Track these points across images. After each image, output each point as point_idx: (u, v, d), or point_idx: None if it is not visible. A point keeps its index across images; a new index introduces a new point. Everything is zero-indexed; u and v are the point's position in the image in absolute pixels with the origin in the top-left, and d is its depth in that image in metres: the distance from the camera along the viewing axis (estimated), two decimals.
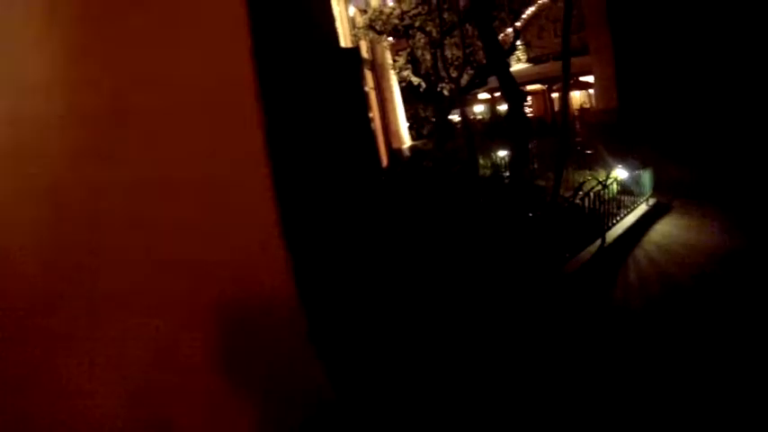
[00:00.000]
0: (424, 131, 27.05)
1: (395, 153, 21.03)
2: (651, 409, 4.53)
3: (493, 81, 21.02)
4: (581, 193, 8.57)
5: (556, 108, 28.88)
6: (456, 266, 7.28)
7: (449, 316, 6.34)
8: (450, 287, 6.81)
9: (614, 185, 9.72)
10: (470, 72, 16.31)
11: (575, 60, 10.90)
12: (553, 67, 24.38)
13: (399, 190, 12.37)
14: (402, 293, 6.49)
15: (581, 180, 12.19)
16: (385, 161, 19.68)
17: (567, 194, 10.77)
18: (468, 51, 15.07)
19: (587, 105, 27.25)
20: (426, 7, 15.33)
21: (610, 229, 9.14)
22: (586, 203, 8.62)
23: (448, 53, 15.98)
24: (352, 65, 6.43)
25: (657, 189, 11.40)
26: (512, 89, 11.20)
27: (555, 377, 5.27)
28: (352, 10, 19.00)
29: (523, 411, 4.75)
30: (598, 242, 8.58)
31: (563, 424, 4.56)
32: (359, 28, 17.09)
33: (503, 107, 31.00)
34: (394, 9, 16.13)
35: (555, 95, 28.53)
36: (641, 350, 5.60)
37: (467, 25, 14.62)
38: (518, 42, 19.53)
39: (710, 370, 5.00)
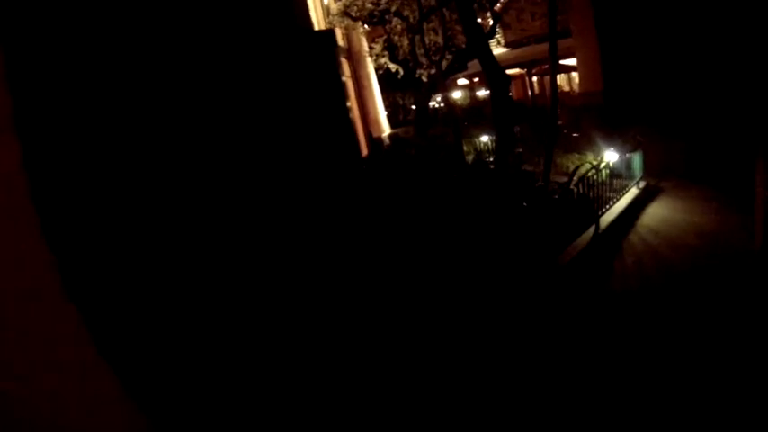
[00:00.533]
0: (401, 118, 26.75)
1: (375, 142, 20.71)
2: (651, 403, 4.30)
3: (472, 66, 20.74)
4: (575, 179, 8.26)
5: (536, 92, 28.72)
6: (448, 259, 6.99)
7: (441, 310, 6.09)
8: (441, 281, 6.55)
9: (605, 170, 9.43)
10: (449, 57, 15.97)
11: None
12: (532, 50, 24.15)
13: (383, 179, 12.05)
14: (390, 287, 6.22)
15: (569, 164, 11.95)
16: (365, 150, 19.35)
17: (556, 179, 10.50)
18: (447, 35, 14.75)
19: (567, 89, 27.05)
20: None
21: (603, 214, 8.86)
22: (579, 189, 8.33)
23: (425, 38, 15.62)
24: (326, 48, 6.04)
25: (646, 170, 11.17)
26: (495, 72, 10.85)
27: (553, 373, 5.02)
28: None
29: (520, 406, 4.56)
30: (592, 229, 8.29)
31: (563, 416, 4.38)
32: (333, 15, 16.67)
33: (482, 92, 30.82)
34: None
35: (534, 79, 28.36)
36: (644, 345, 5.35)
37: (444, 9, 14.25)
38: (497, 26, 19.24)
39: (711, 365, 4.77)
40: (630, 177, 10.71)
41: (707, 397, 4.33)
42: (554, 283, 6.95)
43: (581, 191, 8.35)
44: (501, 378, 5.03)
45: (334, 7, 16.74)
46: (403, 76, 19.09)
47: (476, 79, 30.53)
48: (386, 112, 23.59)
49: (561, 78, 26.52)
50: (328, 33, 6.42)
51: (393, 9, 15.35)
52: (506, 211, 7.92)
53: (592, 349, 5.41)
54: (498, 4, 17.18)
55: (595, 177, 8.69)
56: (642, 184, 10.79)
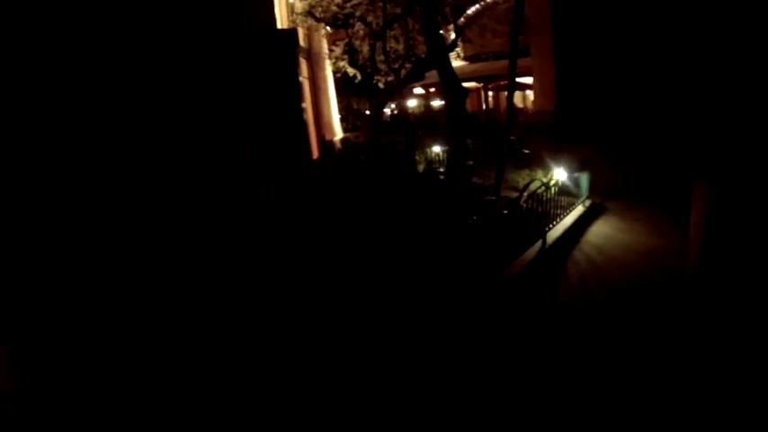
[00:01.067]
0: (353, 123, 26.79)
1: (327, 145, 20.70)
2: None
3: (429, 76, 20.94)
4: (525, 195, 8.47)
5: (490, 106, 29.21)
6: (396, 268, 7.07)
7: (386, 319, 6.11)
8: (387, 289, 6.60)
9: (555, 188, 9.70)
10: (408, 66, 16.10)
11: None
12: (490, 66, 24.57)
13: (334, 184, 12.08)
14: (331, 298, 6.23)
15: (519, 179, 12.22)
16: (316, 153, 19.32)
17: (506, 194, 10.73)
18: (409, 44, 14.87)
19: (521, 106, 27.64)
20: None
21: (550, 230, 9.11)
22: (528, 205, 8.54)
23: (386, 46, 15.72)
24: (287, 47, 6.04)
25: (592, 190, 11.53)
26: (453, 85, 11.02)
27: (495, 383, 5.14)
28: None
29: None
30: (539, 244, 8.52)
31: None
32: (297, 14, 16.59)
33: (437, 103, 31.14)
34: None
35: (490, 94, 28.83)
36: (587, 353, 5.58)
37: (408, 18, 14.38)
38: (458, 40, 19.49)
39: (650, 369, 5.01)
40: (577, 196, 11.04)
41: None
42: (501, 296, 7.09)
43: (530, 206, 8.56)
44: (444, 389, 5.11)
45: (299, 6, 16.63)
46: (360, 82, 19.13)
47: (432, 89, 30.85)
48: (339, 116, 23.64)
49: (516, 96, 27.07)
50: (290, 33, 6.43)
51: (358, 14, 15.38)
52: (456, 223, 8.04)
53: (534, 360, 5.57)
54: (462, 19, 17.39)
55: (545, 194, 8.92)
56: (588, 203, 11.16)
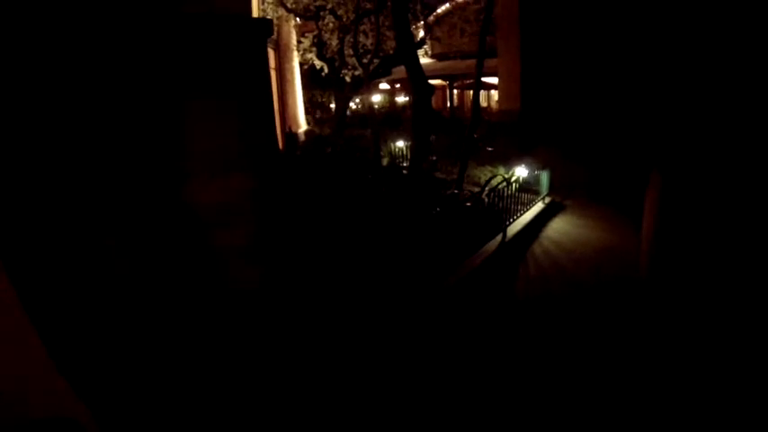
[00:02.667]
0: (317, 116, 26.80)
1: (291, 137, 20.68)
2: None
3: (396, 72, 21.12)
4: (487, 189, 8.72)
5: (455, 104, 29.58)
6: (358, 259, 7.17)
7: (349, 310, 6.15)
8: (350, 280, 6.66)
9: (516, 184, 9.99)
10: (375, 61, 16.26)
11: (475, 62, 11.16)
12: (457, 65, 24.92)
13: (300, 175, 12.15)
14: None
15: (481, 175, 12.51)
16: (281, 145, 19.30)
17: (468, 188, 11.00)
18: (378, 39, 15.04)
19: (485, 104, 28.08)
20: None
21: (510, 224, 9.39)
22: (489, 199, 8.76)
23: (356, 40, 15.85)
24: (261, 37, 6.07)
25: (552, 188, 11.93)
26: (420, 81, 11.25)
27: (462, 371, 5.34)
28: None
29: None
30: (499, 237, 8.79)
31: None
32: (268, 3, 16.56)
33: (401, 98, 31.35)
34: None
35: (455, 92, 29.20)
36: (543, 341, 5.83)
37: (379, 14, 14.56)
38: (427, 37, 19.77)
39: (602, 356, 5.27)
40: (538, 193, 11.39)
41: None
42: (461, 287, 7.29)
43: (491, 201, 8.79)
44: (400, 379, 5.23)
45: None
46: (327, 75, 19.20)
47: (397, 85, 31.06)
48: (304, 108, 23.59)
49: (481, 94, 27.48)
50: (265, 22, 6.39)
51: (329, 6, 15.49)
52: (419, 215, 8.21)
53: (491, 351, 5.76)
54: (432, 17, 17.62)
55: (506, 190, 9.18)
56: (548, 200, 11.54)
